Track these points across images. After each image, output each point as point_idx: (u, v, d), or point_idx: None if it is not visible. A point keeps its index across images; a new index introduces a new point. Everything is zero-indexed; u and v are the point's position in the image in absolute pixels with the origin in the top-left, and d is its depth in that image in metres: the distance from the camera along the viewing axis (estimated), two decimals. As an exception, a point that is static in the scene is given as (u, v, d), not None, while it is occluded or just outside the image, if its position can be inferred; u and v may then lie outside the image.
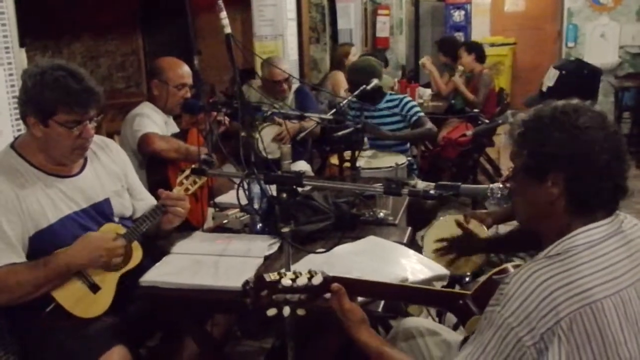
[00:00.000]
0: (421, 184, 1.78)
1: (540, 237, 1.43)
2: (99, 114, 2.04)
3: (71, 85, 1.92)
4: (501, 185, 1.73)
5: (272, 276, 1.55)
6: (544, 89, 2.61)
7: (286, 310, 1.57)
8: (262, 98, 3.90)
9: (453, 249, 2.39)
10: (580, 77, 2.59)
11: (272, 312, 1.57)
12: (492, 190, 1.74)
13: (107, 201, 2.17)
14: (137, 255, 2.13)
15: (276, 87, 4.13)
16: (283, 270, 1.61)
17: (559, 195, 1.36)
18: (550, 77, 2.59)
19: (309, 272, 1.57)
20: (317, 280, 1.56)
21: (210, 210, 2.71)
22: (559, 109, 1.38)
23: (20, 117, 2.02)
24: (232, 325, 2.72)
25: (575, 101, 1.40)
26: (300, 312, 1.59)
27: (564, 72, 2.57)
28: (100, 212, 2.14)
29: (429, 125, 3.90)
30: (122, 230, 2.11)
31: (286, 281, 1.54)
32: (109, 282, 2.04)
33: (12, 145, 2.06)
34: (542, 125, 1.38)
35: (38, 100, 1.92)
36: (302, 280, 1.55)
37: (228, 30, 2.02)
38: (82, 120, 1.97)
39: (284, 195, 1.77)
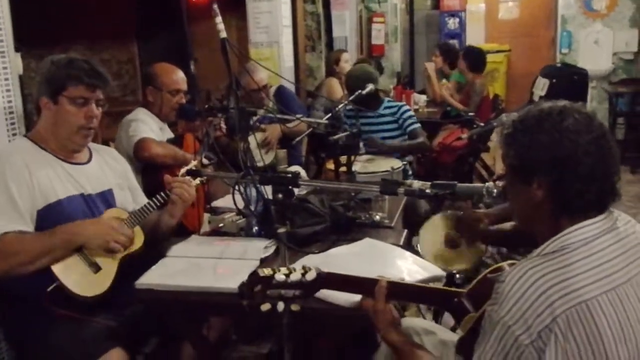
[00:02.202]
0: (417, 184, 1.78)
1: (535, 238, 1.43)
2: (104, 101, 2.19)
3: (82, 65, 2.13)
4: (493, 184, 1.74)
5: (265, 271, 1.56)
6: (536, 98, 2.62)
7: (280, 306, 1.57)
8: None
9: (458, 228, 2.47)
10: (571, 83, 2.63)
11: (266, 307, 1.57)
12: (487, 189, 1.74)
13: (110, 192, 2.28)
14: (139, 239, 2.19)
15: (255, 96, 4.11)
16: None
17: (544, 198, 1.36)
18: (541, 87, 2.61)
19: (303, 267, 1.58)
20: (310, 276, 1.57)
21: (206, 215, 2.71)
22: (545, 111, 1.37)
23: (34, 105, 2.17)
24: (227, 329, 2.72)
25: (562, 103, 1.39)
26: (295, 307, 1.59)
27: (554, 80, 2.59)
28: (104, 201, 2.24)
29: (422, 138, 4.06)
30: (125, 215, 2.19)
31: (280, 276, 1.55)
32: (110, 264, 2.08)
33: (25, 135, 2.22)
34: (527, 127, 1.37)
35: (51, 77, 2.11)
36: (295, 276, 1.56)
37: (223, 34, 2.03)
38: (89, 98, 2.13)
39: (280, 196, 1.78)
